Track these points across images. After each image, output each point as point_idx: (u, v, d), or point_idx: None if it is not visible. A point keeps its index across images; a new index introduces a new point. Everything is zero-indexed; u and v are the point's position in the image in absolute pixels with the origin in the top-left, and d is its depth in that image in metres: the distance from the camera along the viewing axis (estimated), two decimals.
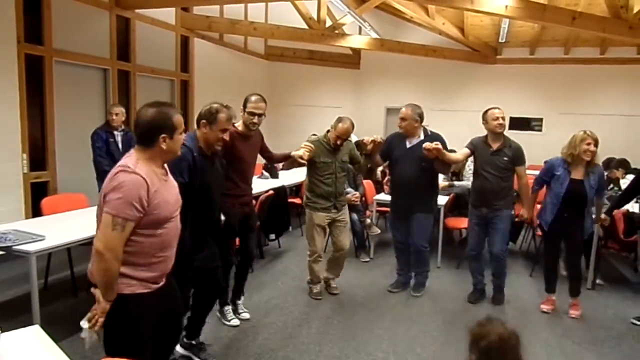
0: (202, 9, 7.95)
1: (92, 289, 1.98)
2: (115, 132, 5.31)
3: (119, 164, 1.95)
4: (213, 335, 3.45)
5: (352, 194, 5.34)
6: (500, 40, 9.36)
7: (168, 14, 7.37)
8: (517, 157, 4.05)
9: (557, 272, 4.21)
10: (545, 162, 4.22)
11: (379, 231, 5.78)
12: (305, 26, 8.56)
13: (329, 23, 8.73)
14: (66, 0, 5.66)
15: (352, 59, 10.84)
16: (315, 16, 8.56)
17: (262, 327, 3.68)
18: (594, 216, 4.12)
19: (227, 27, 8.28)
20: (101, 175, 5.20)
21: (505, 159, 4.01)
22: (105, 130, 5.27)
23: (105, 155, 5.20)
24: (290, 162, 3.97)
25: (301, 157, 3.77)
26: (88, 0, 5.96)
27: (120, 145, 5.33)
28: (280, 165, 5.77)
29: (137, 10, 6.71)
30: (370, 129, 8.01)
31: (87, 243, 3.44)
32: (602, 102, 9.44)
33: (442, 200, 5.06)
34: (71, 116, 5.90)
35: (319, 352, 3.34)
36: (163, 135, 1.97)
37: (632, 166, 6.98)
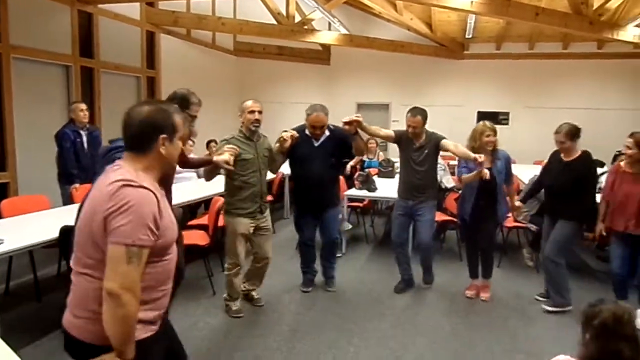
0: (168, 4, 7.80)
1: (104, 356, 1.49)
2: (81, 131, 5.14)
3: (114, 177, 1.51)
4: (183, 335, 3.40)
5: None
6: (467, 36, 9.51)
7: (132, 9, 7.20)
8: (437, 142, 4.09)
9: (478, 259, 4.34)
10: None
11: (351, 226, 5.82)
12: (274, 22, 8.50)
13: (298, 19, 8.69)
14: None
15: (322, 54, 10.83)
16: (284, 12, 8.50)
17: (233, 326, 3.65)
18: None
19: (194, 23, 8.15)
20: (67, 177, 5.03)
21: (426, 151, 4.11)
22: (72, 130, 5.07)
23: (72, 157, 5.02)
24: (211, 169, 3.63)
25: (227, 162, 3.38)
26: None
27: (85, 145, 5.16)
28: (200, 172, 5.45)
29: (99, 5, 6.53)
30: (341, 124, 8.02)
31: (50, 245, 3.34)
32: (565, 95, 9.72)
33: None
34: (31, 115, 5.71)
35: (291, 348, 3.33)
36: (163, 136, 1.59)
37: (594, 158, 7.18)
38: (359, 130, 3.90)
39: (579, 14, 6.59)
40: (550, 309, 4.00)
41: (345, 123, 3.79)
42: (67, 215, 3.91)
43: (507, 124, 10.06)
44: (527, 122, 9.69)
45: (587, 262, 5.39)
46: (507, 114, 10.11)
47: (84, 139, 5.14)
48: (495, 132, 4.01)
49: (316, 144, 4.03)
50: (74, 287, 1.59)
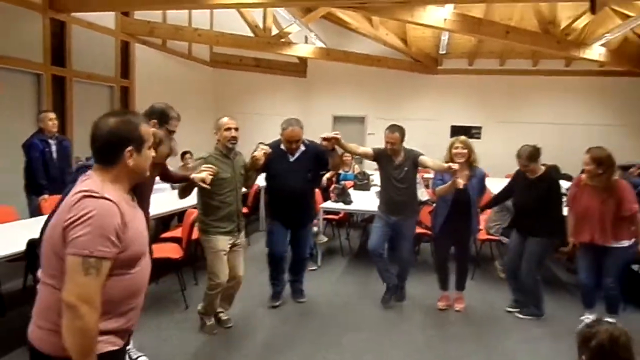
0: (144, 14, 7.74)
1: None
2: (50, 141, 5.02)
3: (77, 188, 1.50)
4: (155, 350, 3.32)
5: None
6: (440, 52, 9.72)
7: (107, 18, 7.11)
8: (415, 158, 4.15)
9: (448, 270, 4.41)
10: None
11: (326, 239, 5.82)
12: (251, 34, 8.52)
13: (275, 31, 8.74)
14: None
15: (299, 67, 10.89)
16: (261, 24, 8.54)
17: (206, 342, 3.58)
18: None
19: (170, 33, 8.11)
20: (35, 188, 4.90)
21: (406, 168, 4.15)
22: (40, 139, 4.95)
23: (41, 167, 4.89)
24: (185, 187, 3.49)
25: (204, 181, 3.24)
26: (18, 1, 5.65)
27: (55, 155, 5.04)
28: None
29: (73, 14, 6.43)
30: (318, 137, 8.04)
31: (16, 259, 3.24)
32: (534, 111, 10.01)
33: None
34: (0, 124, 5.55)
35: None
36: (129, 148, 1.57)
37: (562, 172, 7.38)
38: (336, 147, 3.90)
39: (547, 33, 6.83)
40: (524, 317, 4.14)
41: (324, 139, 3.78)
42: (34, 227, 3.79)
43: (479, 137, 10.28)
44: (498, 136, 9.91)
45: (558, 274, 5.51)
46: (479, 128, 10.34)
47: (53, 148, 5.03)
48: (467, 146, 4.05)
49: (292, 159, 4.00)
50: (39, 297, 1.57)
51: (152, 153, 1.69)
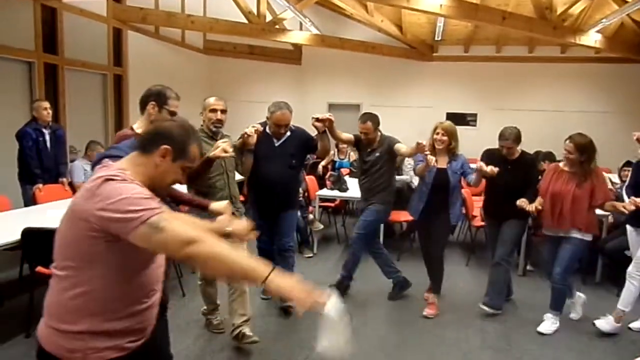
0: (136, 0, 7.63)
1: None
2: (44, 130, 4.98)
3: (95, 176, 1.41)
4: None
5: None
6: (436, 38, 9.66)
7: (99, 5, 7.01)
8: (390, 145, 4.10)
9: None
10: None
11: (322, 226, 5.83)
12: (245, 20, 8.43)
13: (269, 18, 8.64)
14: None
15: (293, 54, 10.80)
16: (255, 10, 8.44)
17: (202, 329, 3.60)
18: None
19: (163, 20, 8.00)
20: (29, 177, 4.87)
21: (377, 154, 4.09)
22: (34, 128, 4.91)
23: (34, 156, 4.86)
24: (198, 170, 2.94)
25: (225, 151, 2.92)
26: None
27: (49, 145, 5.01)
28: None
29: (64, 0, 6.33)
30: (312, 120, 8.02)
31: (11, 248, 3.22)
32: (530, 98, 9.99)
33: None
34: None
35: (261, 349, 3.30)
36: (167, 146, 1.49)
37: (557, 159, 7.40)
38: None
39: (544, 19, 6.79)
40: (489, 310, 3.94)
41: (317, 120, 3.63)
42: (28, 216, 3.79)
43: (475, 125, 10.27)
44: (494, 124, 9.74)
45: None
46: (474, 115, 10.32)
47: (47, 137, 4.99)
48: (448, 133, 3.86)
49: (277, 143, 3.79)
50: (48, 291, 1.48)
51: (180, 175, 1.58)
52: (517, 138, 3.87)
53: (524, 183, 3.83)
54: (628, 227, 3.88)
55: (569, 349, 3.48)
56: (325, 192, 5.89)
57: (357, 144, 4.20)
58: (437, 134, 3.87)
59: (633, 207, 3.42)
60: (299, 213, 5.49)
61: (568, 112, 9.70)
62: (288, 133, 3.79)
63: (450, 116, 9.77)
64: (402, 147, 4.02)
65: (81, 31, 6.75)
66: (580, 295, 3.99)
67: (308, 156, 7.89)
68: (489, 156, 3.97)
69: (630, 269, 3.65)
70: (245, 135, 3.41)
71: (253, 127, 3.45)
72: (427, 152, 3.62)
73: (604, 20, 6.78)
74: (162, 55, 8.71)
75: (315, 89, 10.77)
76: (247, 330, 3.26)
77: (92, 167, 2.13)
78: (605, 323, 3.67)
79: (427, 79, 10.43)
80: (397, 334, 3.61)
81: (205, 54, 10.33)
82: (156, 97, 2.45)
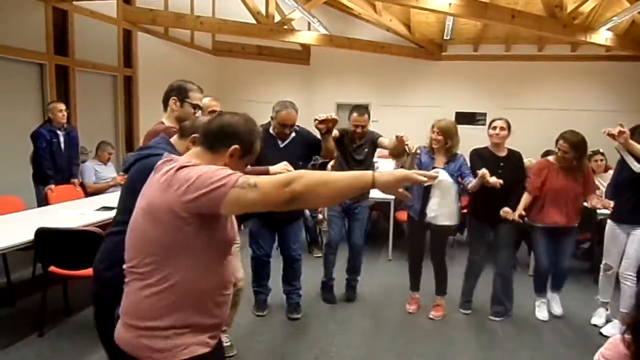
0: (146, 1, 7.69)
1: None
2: (59, 132, 5.04)
3: (166, 168, 1.43)
4: None
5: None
6: (445, 38, 9.61)
7: (109, 7, 7.06)
8: (374, 140, 4.04)
9: (421, 268, 4.08)
10: None
11: None
12: (253, 21, 8.46)
13: (277, 18, 8.66)
14: None
15: (302, 54, 10.82)
16: (263, 11, 8.46)
17: None
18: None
19: (172, 21, 8.04)
20: (42, 178, 4.93)
21: (366, 150, 4.05)
22: (48, 130, 4.98)
23: (48, 157, 4.93)
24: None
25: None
26: None
27: (62, 146, 5.07)
28: None
29: (75, 2, 6.39)
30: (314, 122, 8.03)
31: (24, 248, 3.26)
32: (540, 97, 9.92)
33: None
34: (4, 115, 5.55)
35: (270, 350, 3.32)
36: (236, 146, 1.51)
37: None
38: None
39: (554, 17, 6.74)
40: (499, 319, 3.91)
41: (320, 121, 3.45)
42: (41, 216, 3.83)
43: (484, 124, 10.19)
44: None
45: None
46: (484, 114, 10.25)
47: (61, 139, 5.07)
48: (444, 132, 3.72)
49: (282, 145, 3.63)
50: (127, 293, 1.48)
51: (244, 171, 1.54)
52: (509, 125, 3.83)
53: (514, 180, 3.74)
54: (609, 221, 3.78)
55: (580, 349, 3.46)
56: None
57: (341, 137, 3.98)
58: (433, 132, 3.76)
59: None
60: (307, 212, 5.54)
61: (578, 110, 9.61)
62: (293, 134, 3.66)
63: (459, 115, 9.73)
64: (384, 141, 3.98)
65: (92, 33, 6.81)
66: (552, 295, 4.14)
67: (317, 157, 7.97)
68: (480, 156, 3.83)
69: (621, 269, 3.64)
70: None
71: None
72: (408, 144, 3.51)
73: (614, 18, 6.71)
74: (172, 56, 8.76)
75: (323, 89, 10.77)
76: (225, 339, 3.03)
77: (126, 170, 2.05)
78: (611, 328, 3.68)
79: (436, 78, 10.39)
80: (407, 335, 3.61)
81: (214, 55, 10.38)
82: (177, 92, 2.45)
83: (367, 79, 10.56)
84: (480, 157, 3.81)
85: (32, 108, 5.91)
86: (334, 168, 4.27)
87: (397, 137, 3.53)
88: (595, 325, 3.84)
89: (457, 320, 3.91)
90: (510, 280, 3.96)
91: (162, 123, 2.48)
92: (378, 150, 4.17)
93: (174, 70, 8.50)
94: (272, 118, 3.64)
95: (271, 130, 3.63)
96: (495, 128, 3.80)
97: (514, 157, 3.86)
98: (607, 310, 3.86)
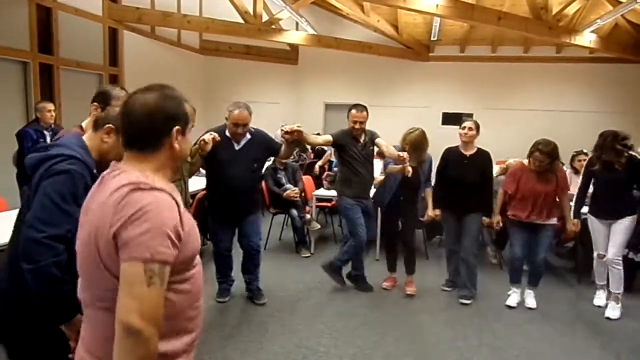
0: None
1: None
2: (45, 132, 4.97)
3: (118, 183, 1.20)
4: None
5: (292, 190, 5.49)
6: (432, 38, 9.67)
7: (94, 4, 6.99)
8: (373, 137, 4.28)
9: (397, 253, 4.52)
10: None
11: (319, 226, 5.83)
12: (241, 20, 8.42)
13: (265, 18, 8.64)
14: None
15: (290, 54, 10.80)
16: (251, 10, 8.44)
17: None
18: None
19: (159, 20, 7.98)
20: (26, 178, 4.84)
21: (370, 147, 4.28)
22: (35, 129, 4.91)
23: None
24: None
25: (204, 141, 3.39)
26: None
27: None
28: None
29: (59, 0, 6.31)
30: (310, 124, 8.02)
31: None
32: (526, 98, 10.03)
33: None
34: None
35: (259, 349, 3.31)
36: (177, 127, 1.28)
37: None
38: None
39: (539, 19, 6.83)
40: (468, 302, 4.20)
41: (286, 133, 3.61)
42: None
43: None
44: (489, 123, 9.80)
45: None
46: (470, 115, 10.32)
47: (48, 139, 4.98)
48: (414, 145, 4.17)
49: (237, 147, 3.73)
50: (90, 326, 1.28)
51: (190, 137, 1.38)
52: (478, 125, 4.22)
53: (481, 178, 4.14)
54: (590, 216, 4.14)
55: (564, 347, 3.51)
56: (322, 192, 5.90)
57: (338, 141, 4.15)
58: (405, 146, 4.17)
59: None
60: (295, 212, 5.56)
61: (563, 111, 9.75)
62: (248, 136, 3.77)
63: (446, 116, 9.82)
64: (382, 143, 4.22)
65: (76, 31, 6.72)
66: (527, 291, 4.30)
67: (304, 156, 7.96)
68: (449, 153, 4.32)
69: (609, 256, 3.95)
70: (202, 142, 3.44)
71: (210, 134, 3.48)
72: (407, 164, 3.86)
73: (598, 20, 6.82)
74: (158, 55, 8.69)
75: (311, 89, 10.78)
76: None
77: (33, 171, 1.91)
78: (611, 310, 3.96)
79: (423, 78, 10.45)
80: (394, 334, 3.61)
81: (201, 54, 10.32)
82: (100, 99, 2.15)
83: (355, 79, 10.58)
84: (449, 154, 4.31)
85: (15, 107, 5.82)
86: (338, 177, 4.49)
87: (399, 156, 3.88)
88: (599, 307, 4.15)
89: (447, 322, 3.93)
90: (474, 265, 4.23)
91: (81, 127, 2.18)
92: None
93: (160, 70, 8.45)
94: (226, 119, 3.73)
95: (227, 133, 3.71)
96: (464, 128, 4.20)
97: (481, 156, 4.21)
98: (604, 291, 4.19)
